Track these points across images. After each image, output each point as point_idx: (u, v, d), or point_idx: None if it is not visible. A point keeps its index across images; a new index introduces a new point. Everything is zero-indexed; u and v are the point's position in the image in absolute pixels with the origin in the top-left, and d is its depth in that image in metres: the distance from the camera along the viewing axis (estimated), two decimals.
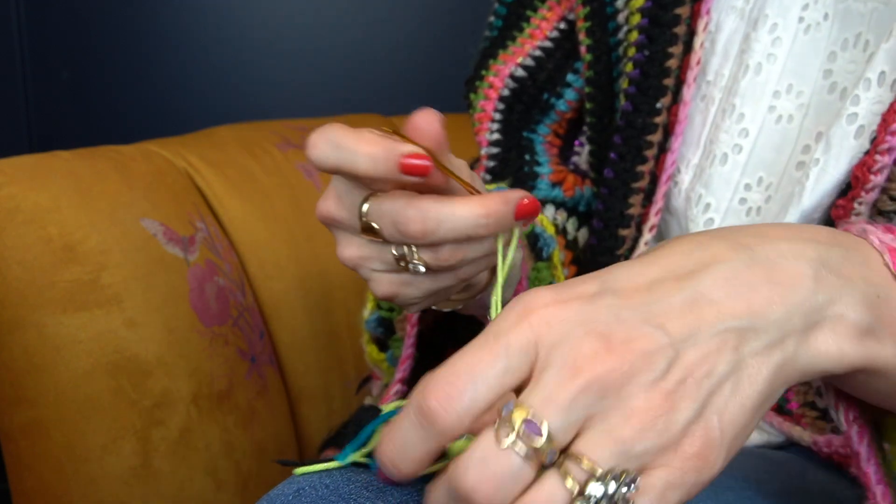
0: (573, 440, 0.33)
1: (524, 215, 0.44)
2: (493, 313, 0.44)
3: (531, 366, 0.34)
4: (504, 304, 0.60)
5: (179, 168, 0.98)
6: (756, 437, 0.67)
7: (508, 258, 0.45)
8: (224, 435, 0.86)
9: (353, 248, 0.47)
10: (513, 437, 0.32)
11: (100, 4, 1.52)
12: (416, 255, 0.45)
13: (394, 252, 0.46)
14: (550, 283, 0.66)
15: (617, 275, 0.36)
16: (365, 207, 0.45)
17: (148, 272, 0.83)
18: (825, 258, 0.38)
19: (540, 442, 0.32)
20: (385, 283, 0.48)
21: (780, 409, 0.65)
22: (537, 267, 0.66)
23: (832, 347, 0.37)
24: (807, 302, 0.36)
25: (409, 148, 0.42)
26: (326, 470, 0.44)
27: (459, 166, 0.49)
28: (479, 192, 0.46)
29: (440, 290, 0.48)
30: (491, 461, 0.32)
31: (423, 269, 0.45)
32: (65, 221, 0.79)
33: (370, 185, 0.45)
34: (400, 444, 0.34)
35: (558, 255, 0.69)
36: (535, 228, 0.68)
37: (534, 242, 0.67)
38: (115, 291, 0.80)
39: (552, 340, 0.34)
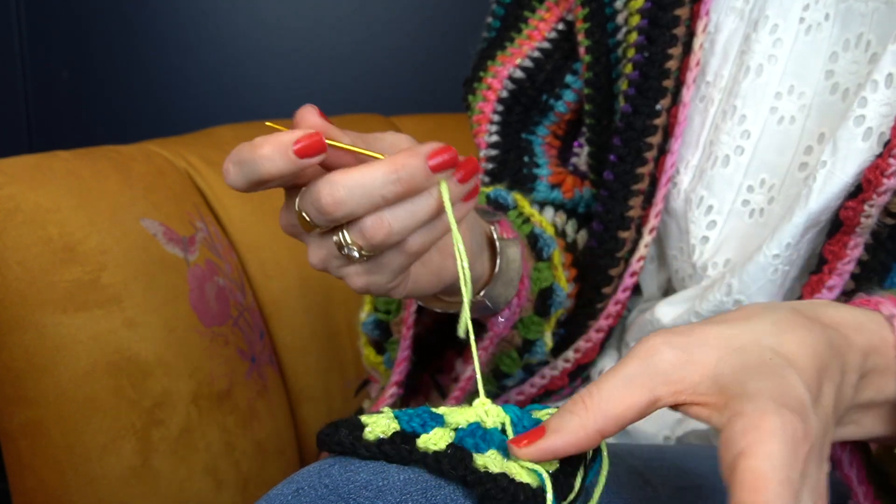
0: None
1: (442, 167, 0.44)
2: (460, 273, 0.46)
3: None
4: (501, 299, 0.61)
5: (179, 168, 0.98)
6: None
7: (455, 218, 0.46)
8: (224, 435, 0.86)
9: (313, 251, 0.48)
10: None
11: (100, 4, 1.52)
12: (348, 239, 0.45)
13: (334, 240, 0.46)
14: (552, 283, 0.66)
15: None
16: (297, 202, 0.46)
17: (148, 272, 0.83)
18: None
19: None
20: (353, 277, 0.49)
21: None
22: (538, 267, 0.66)
23: None
24: None
25: (294, 134, 0.43)
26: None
27: (396, 143, 0.49)
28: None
29: (400, 270, 0.48)
30: None
31: (356, 253, 0.46)
32: (65, 221, 0.79)
33: (297, 184, 0.46)
34: None
35: (559, 255, 0.69)
36: (534, 229, 0.68)
37: (533, 243, 0.67)
38: (115, 291, 0.80)
39: None
